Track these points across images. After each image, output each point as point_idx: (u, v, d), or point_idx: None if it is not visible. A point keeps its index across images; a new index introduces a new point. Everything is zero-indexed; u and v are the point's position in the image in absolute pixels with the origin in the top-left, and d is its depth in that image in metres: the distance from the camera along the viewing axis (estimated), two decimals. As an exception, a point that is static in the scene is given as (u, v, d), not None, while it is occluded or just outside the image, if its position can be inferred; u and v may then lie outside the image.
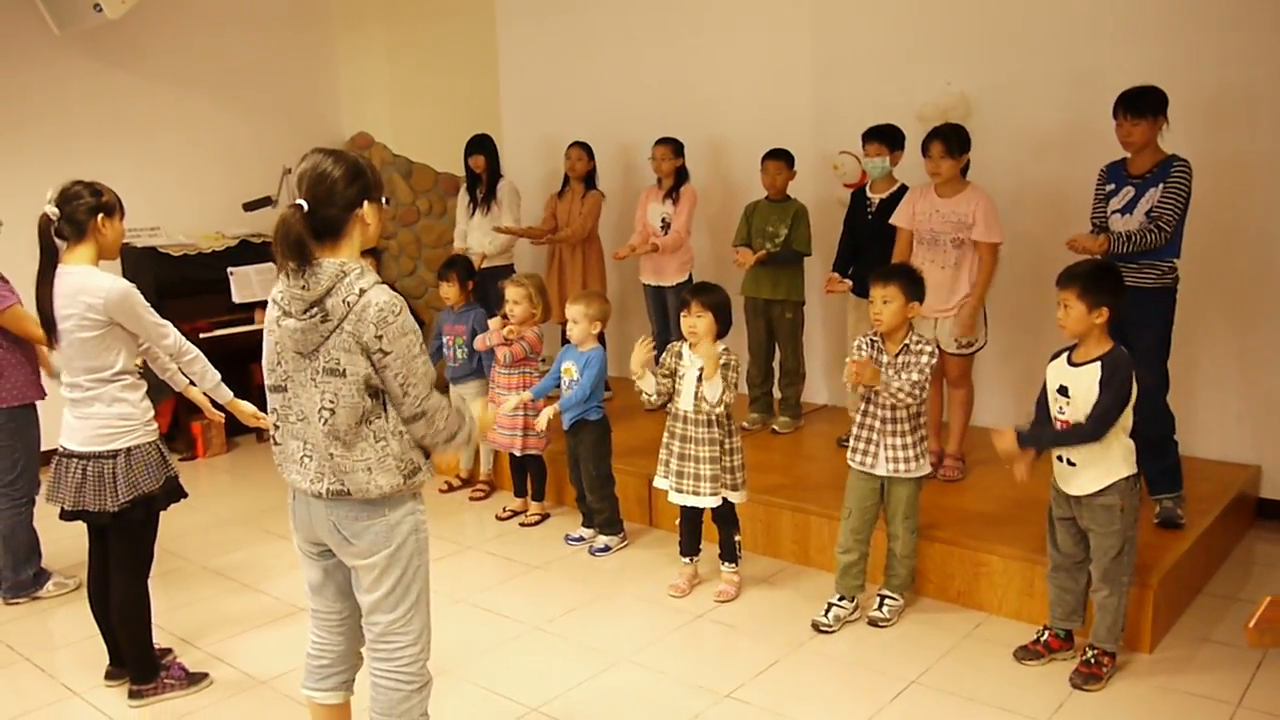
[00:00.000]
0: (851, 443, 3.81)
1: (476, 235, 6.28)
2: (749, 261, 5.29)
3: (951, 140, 4.35)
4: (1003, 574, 3.83)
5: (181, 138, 6.59)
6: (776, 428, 5.51)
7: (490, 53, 7.38)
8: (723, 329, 3.93)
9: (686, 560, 4.21)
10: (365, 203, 2.36)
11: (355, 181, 2.34)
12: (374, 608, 2.49)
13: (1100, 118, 4.62)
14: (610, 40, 6.70)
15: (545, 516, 5.04)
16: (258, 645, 3.83)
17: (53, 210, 3.14)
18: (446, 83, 7.23)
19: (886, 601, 3.84)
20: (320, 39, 7.29)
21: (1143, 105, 3.83)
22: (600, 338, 4.77)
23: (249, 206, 6.59)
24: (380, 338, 2.29)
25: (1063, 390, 3.26)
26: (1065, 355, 3.34)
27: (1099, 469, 3.23)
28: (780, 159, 5.39)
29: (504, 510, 5.10)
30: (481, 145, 6.23)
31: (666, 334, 5.91)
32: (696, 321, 3.89)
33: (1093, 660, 3.34)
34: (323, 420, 2.34)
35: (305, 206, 2.27)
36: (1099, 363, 3.19)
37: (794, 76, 5.89)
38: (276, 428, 2.46)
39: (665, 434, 4.04)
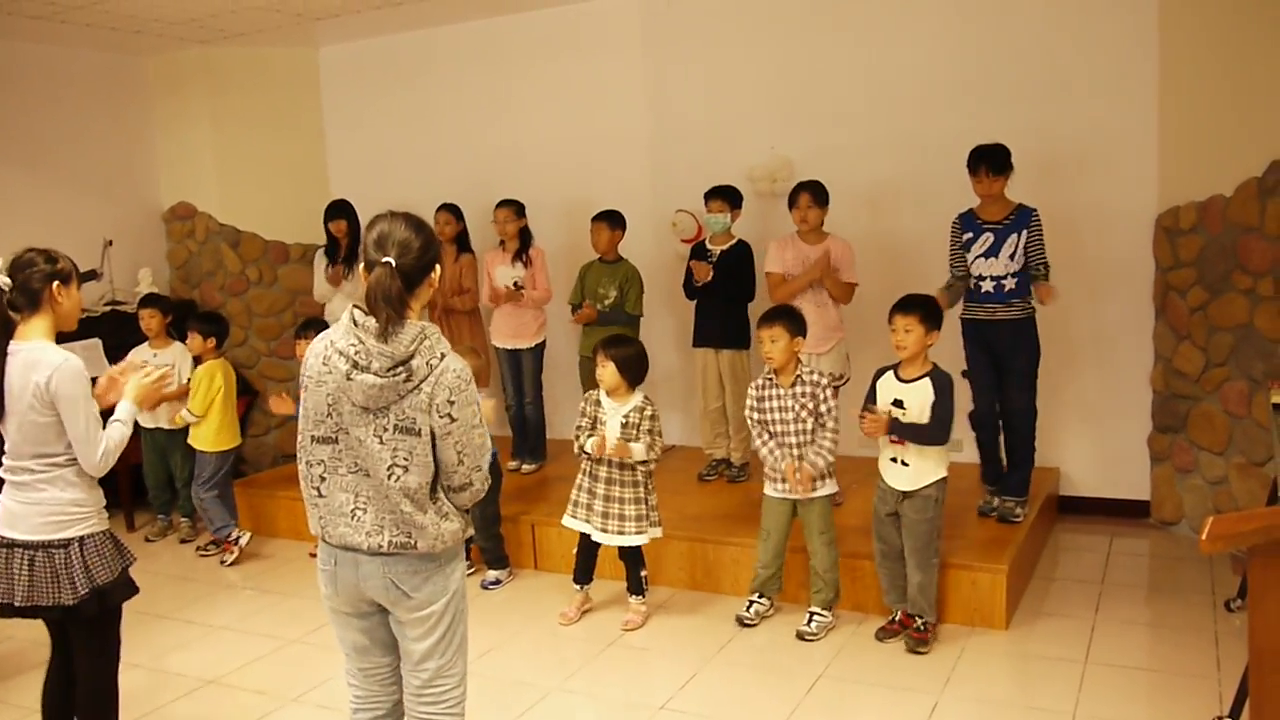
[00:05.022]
0: (767, 472, 4.23)
1: (340, 299, 6.25)
2: (584, 319, 5.60)
3: (819, 192, 4.93)
4: (874, 576, 4.33)
5: (-8, 212, 6.27)
6: (636, 469, 5.85)
7: (317, 120, 7.41)
8: (632, 379, 4.26)
9: (578, 588, 4.49)
10: (437, 266, 2.49)
11: (431, 245, 2.46)
12: (427, 655, 2.54)
13: (911, 175, 5.37)
14: (441, 109, 6.93)
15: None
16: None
17: (4, 280, 2.92)
18: (273, 151, 7.21)
19: (815, 617, 4.19)
20: (136, 108, 7.11)
21: (1000, 162, 4.47)
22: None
23: (74, 281, 6.30)
24: (452, 403, 2.40)
25: (898, 403, 3.90)
26: (891, 372, 3.98)
27: (923, 469, 3.92)
28: (605, 220, 5.67)
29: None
30: (343, 210, 6.28)
31: (521, 397, 5.99)
32: (602, 372, 4.23)
33: (922, 627, 3.98)
34: (394, 478, 2.39)
35: (394, 264, 2.35)
36: (928, 379, 3.88)
37: (631, 144, 6.34)
38: (323, 479, 2.46)
39: (584, 476, 4.33)
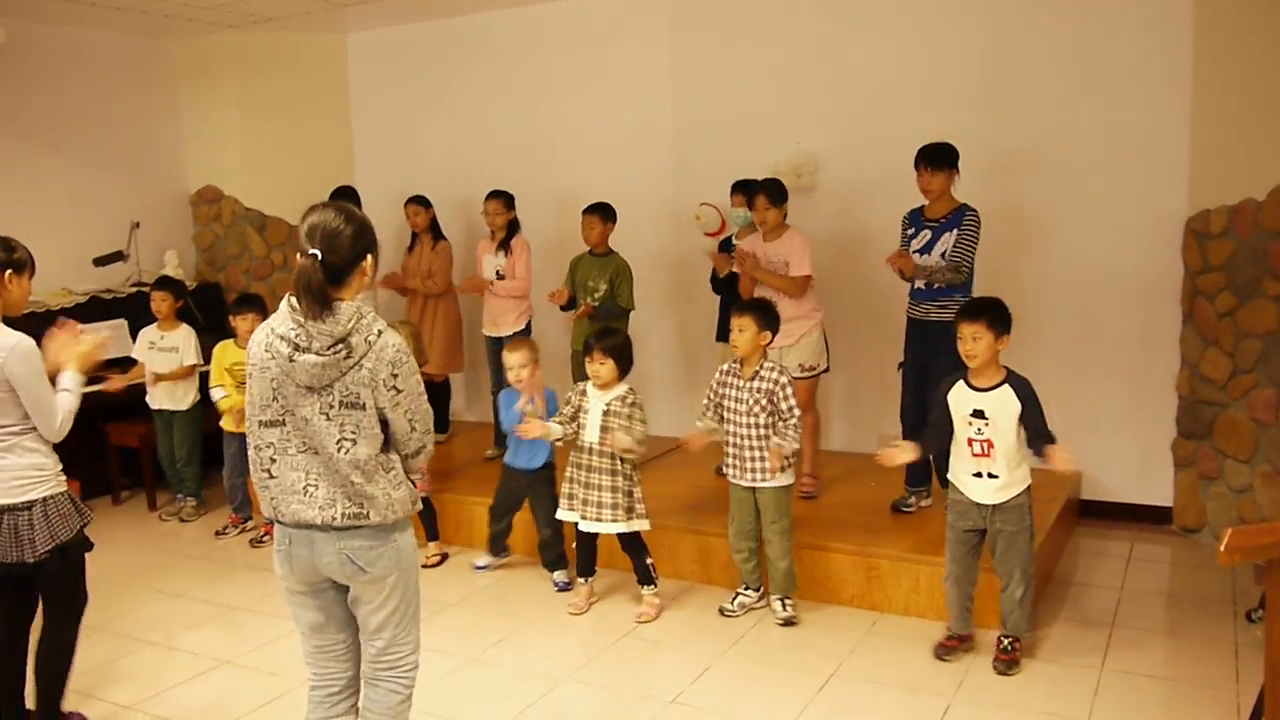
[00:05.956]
0: (724, 460, 4.27)
1: None
2: (581, 314, 5.53)
3: (774, 192, 4.91)
4: (892, 575, 4.31)
5: (21, 192, 6.31)
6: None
7: (343, 106, 7.44)
8: (624, 369, 4.29)
9: (583, 580, 4.51)
10: (368, 255, 2.54)
11: (362, 236, 2.51)
12: (382, 625, 2.64)
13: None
14: (467, 97, 6.94)
15: (445, 556, 5.16)
16: (188, 701, 3.80)
17: None
18: (300, 136, 7.23)
19: (785, 602, 4.25)
20: (164, 91, 7.17)
21: (939, 159, 4.46)
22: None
23: (100, 261, 6.39)
24: (395, 375, 2.50)
25: (978, 414, 3.70)
26: (961, 382, 3.77)
27: (1014, 479, 3.72)
28: (598, 212, 5.57)
29: (402, 554, 5.16)
30: (345, 197, 6.28)
31: (501, 383, 5.83)
32: (599, 369, 4.24)
33: (1010, 648, 3.81)
34: (344, 451, 2.48)
35: (319, 256, 2.41)
36: (1007, 386, 3.68)
37: (655, 136, 6.32)
38: (274, 461, 2.53)
39: (570, 467, 4.36)
